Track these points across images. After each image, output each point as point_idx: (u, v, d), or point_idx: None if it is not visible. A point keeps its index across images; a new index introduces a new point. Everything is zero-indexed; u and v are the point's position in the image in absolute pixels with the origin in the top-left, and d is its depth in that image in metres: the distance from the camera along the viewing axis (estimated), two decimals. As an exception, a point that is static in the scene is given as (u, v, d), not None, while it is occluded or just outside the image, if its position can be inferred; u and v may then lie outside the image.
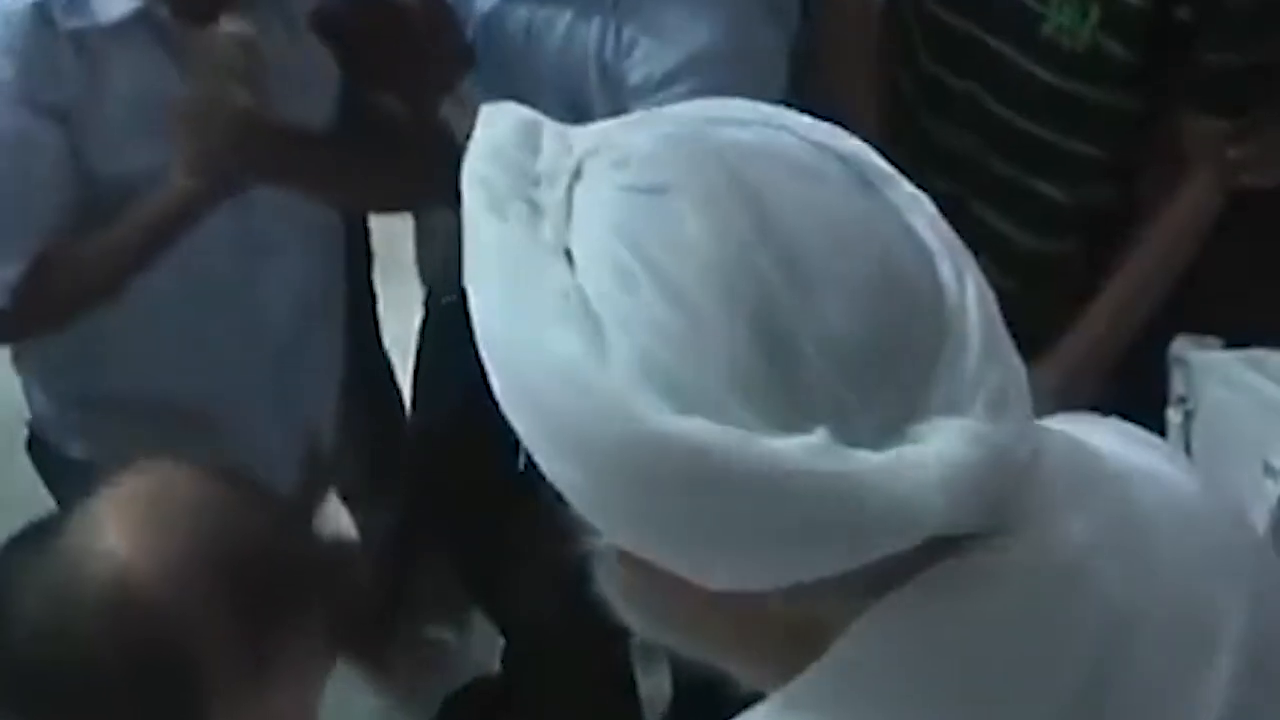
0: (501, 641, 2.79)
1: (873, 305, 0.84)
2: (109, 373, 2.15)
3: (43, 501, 2.28)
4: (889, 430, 0.83)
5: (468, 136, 0.91)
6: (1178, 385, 2.01)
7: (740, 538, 0.83)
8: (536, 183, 0.89)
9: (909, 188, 0.90)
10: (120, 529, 1.20)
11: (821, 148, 0.90)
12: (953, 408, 0.84)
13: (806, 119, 0.93)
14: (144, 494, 1.22)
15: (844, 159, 0.90)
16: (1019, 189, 2.15)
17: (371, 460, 2.76)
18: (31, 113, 1.97)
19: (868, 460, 0.82)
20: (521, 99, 2.15)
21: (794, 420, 0.82)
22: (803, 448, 0.81)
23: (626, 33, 2.07)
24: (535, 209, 0.87)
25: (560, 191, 0.88)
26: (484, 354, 0.87)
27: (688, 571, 0.86)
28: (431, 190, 2.20)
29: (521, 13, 2.15)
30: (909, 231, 0.88)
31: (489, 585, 2.65)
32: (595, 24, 2.09)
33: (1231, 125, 2.10)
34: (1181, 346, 2.03)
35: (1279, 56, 2.08)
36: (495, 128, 0.91)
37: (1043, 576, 0.88)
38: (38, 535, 1.24)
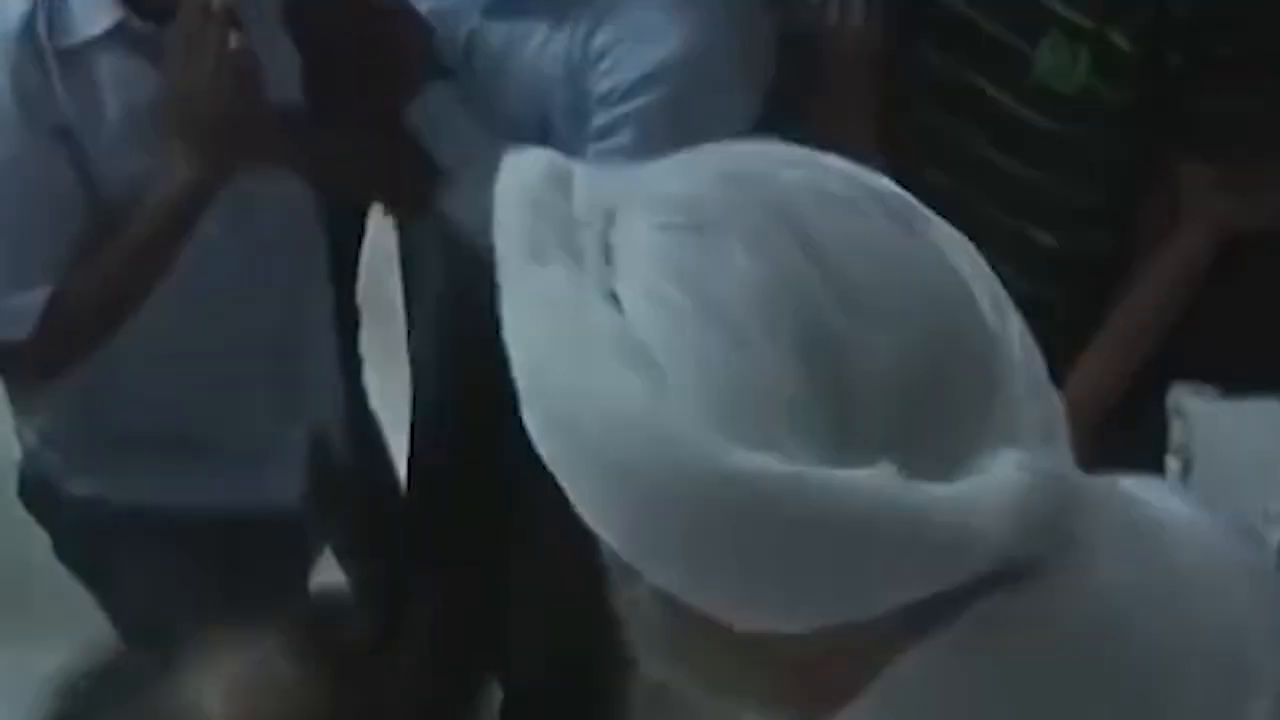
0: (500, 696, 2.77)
1: (924, 339, 0.84)
2: (115, 401, 2.14)
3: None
4: (947, 462, 0.83)
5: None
6: (1176, 433, 2.00)
7: (809, 572, 0.81)
8: (574, 228, 0.87)
9: (944, 225, 0.90)
10: (212, 697, 1.20)
11: (857, 185, 0.89)
12: (1006, 439, 0.84)
13: (835, 158, 0.92)
14: (236, 666, 1.24)
15: (881, 197, 0.89)
16: (1014, 236, 2.13)
17: (364, 518, 2.73)
18: (33, 136, 1.98)
19: (935, 491, 0.81)
20: (499, 115, 2.19)
21: (854, 455, 0.81)
22: (874, 480, 0.80)
23: (595, 44, 2.07)
24: (575, 254, 0.86)
25: (598, 235, 0.86)
26: (531, 403, 0.85)
27: (742, 612, 0.84)
28: (402, 193, 2.22)
29: (501, 29, 2.15)
30: (950, 268, 0.88)
31: (486, 638, 2.62)
32: (565, 36, 2.10)
33: (1223, 171, 2.09)
34: (1179, 394, 2.02)
35: (1270, 103, 2.07)
36: (524, 174, 0.89)
37: (1087, 616, 0.88)
38: (119, 684, 1.25)
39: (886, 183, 0.92)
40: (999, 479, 0.82)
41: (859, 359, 0.82)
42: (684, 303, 0.83)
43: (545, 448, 0.84)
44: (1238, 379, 1.99)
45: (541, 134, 2.08)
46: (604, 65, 2.06)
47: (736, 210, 0.85)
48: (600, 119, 2.05)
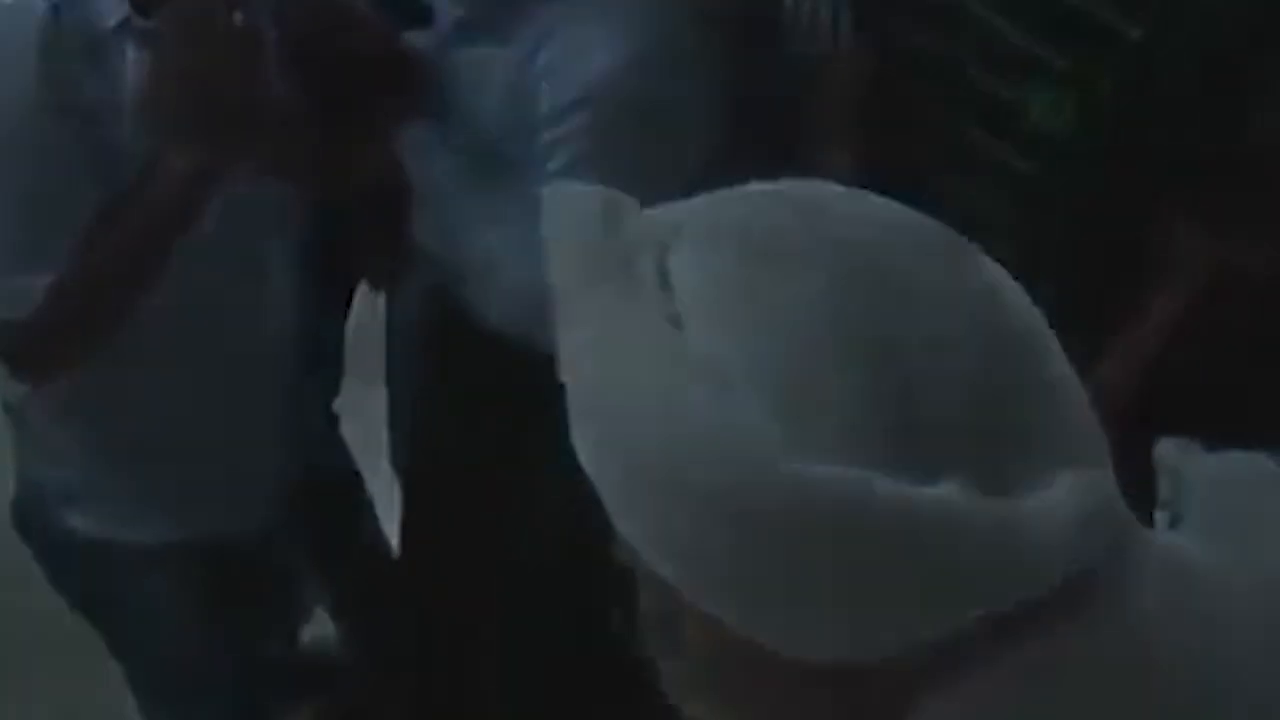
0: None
1: (984, 357, 0.85)
2: (114, 409, 2.14)
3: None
4: (1009, 482, 0.83)
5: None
6: (1164, 488, 1.97)
7: (876, 588, 0.80)
8: (628, 254, 0.88)
9: (983, 254, 0.91)
10: None
11: (904, 213, 0.91)
12: (1065, 461, 0.84)
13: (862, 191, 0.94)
14: None
15: (924, 225, 0.91)
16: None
17: (354, 572, 2.70)
18: (55, 119, 1.98)
19: (1005, 507, 0.81)
20: (457, 141, 2.19)
21: (922, 472, 0.81)
22: (948, 495, 0.80)
23: (538, 65, 2.09)
24: (632, 279, 0.87)
25: (654, 261, 0.87)
26: (587, 425, 0.85)
27: (803, 637, 0.83)
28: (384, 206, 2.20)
29: (465, 58, 2.17)
30: (1000, 296, 0.89)
31: (481, 695, 2.58)
32: (515, 59, 2.11)
33: (1214, 213, 2.08)
34: (1166, 448, 1.99)
35: (1259, 144, 2.07)
36: (576, 203, 0.91)
37: (1134, 644, 0.88)
38: None
39: (922, 214, 0.93)
40: (1065, 497, 0.83)
41: (925, 375, 0.83)
42: (749, 323, 0.84)
43: (599, 469, 0.84)
44: (1224, 432, 1.97)
45: (504, 159, 2.06)
46: (545, 86, 2.08)
47: (799, 235, 0.87)
48: (545, 136, 2.07)
